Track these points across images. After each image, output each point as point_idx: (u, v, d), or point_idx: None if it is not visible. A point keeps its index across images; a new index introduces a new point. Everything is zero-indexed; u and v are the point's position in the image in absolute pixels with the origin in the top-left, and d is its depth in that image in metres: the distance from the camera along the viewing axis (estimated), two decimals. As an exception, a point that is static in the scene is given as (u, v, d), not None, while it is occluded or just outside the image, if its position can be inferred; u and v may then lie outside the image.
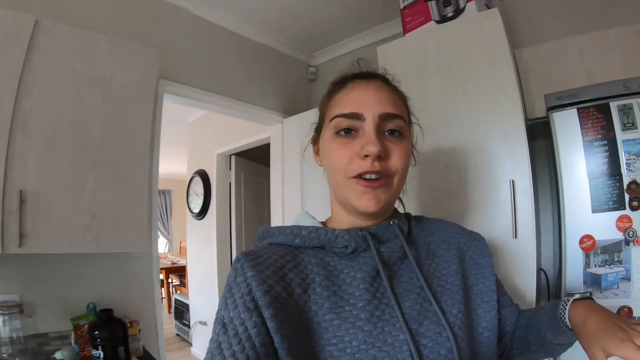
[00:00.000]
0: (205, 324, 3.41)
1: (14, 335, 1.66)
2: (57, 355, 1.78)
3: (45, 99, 1.56)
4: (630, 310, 1.51)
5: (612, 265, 1.51)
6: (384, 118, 0.73)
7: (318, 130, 0.87)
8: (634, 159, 1.51)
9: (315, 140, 0.89)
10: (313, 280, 0.69)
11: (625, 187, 1.50)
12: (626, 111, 1.54)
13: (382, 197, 0.72)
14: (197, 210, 3.84)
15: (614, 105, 1.55)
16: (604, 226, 1.52)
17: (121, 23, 2.09)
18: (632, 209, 1.49)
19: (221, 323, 0.61)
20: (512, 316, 0.87)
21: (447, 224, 0.94)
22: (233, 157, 3.65)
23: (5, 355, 1.65)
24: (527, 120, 1.71)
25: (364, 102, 0.74)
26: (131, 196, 1.71)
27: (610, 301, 1.52)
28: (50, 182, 1.54)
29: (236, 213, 3.47)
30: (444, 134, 1.75)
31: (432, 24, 1.90)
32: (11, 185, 1.48)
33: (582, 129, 1.55)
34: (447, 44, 1.81)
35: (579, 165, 1.54)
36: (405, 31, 2.01)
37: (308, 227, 0.75)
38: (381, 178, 0.72)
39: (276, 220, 2.53)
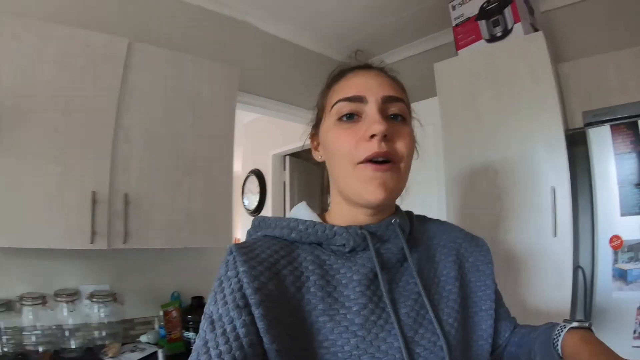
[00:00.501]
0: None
1: (106, 321, 1.94)
2: (142, 338, 2.07)
3: (141, 112, 1.80)
4: None
5: (637, 262, 1.78)
6: (386, 100, 0.71)
7: (316, 124, 0.82)
8: None
9: (313, 136, 0.84)
10: (308, 279, 0.65)
11: (653, 193, 1.76)
12: None
13: (390, 184, 0.67)
14: (252, 207, 4.08)
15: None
16: (631, 228, 1.77)
17: (200, 41, 2.35)
18: None
19: (209, 319, 0.59)
20: (507, 330, 0.84)
21: (449, 227, 0.91)
22: (287, 158, 3.85)
23: (99, 337, 1.93)
24: (567, 130, 1.95)
25: (365, 86, 0.71)
26: (218, 197, 1.98)
27: (635, 293, 1.79)
28: (150, 186, 1.80)
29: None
30: (494, 144, 2.01)
31: (482, 42, 2.14)
32: (116, 190, 1.73)
33: (613, 143, 1.80)
34: (497, 62, 2.05)
35: (611, 174, 1.79)
36: (458, 47, 2.24)
37: (305, 221, 0.71)
38: (390, 162, 0.67)
39: None
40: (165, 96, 1.87)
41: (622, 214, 1.78)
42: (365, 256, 0.70)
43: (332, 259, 0.69)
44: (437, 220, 0.93)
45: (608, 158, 1.80)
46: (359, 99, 0.70)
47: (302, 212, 0.78)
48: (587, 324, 0.71)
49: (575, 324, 0.70)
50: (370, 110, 0.69)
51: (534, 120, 1.91)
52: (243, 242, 0.70)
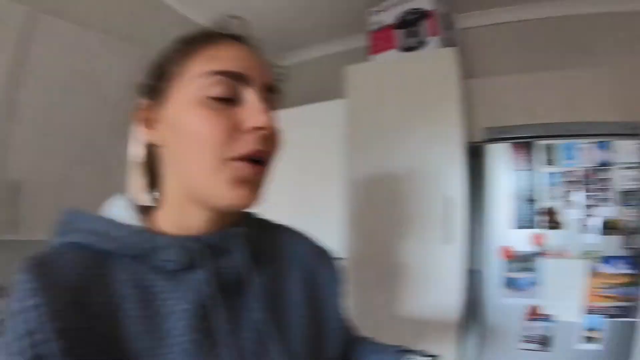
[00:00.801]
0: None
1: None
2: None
3: (39, 91, 1.65)
4: (538, 308, 1.91)
5: (526, 272, 1.89)
6: (269, 90, 0.59)
7: (154, 93, 0.60)
8: (550, 188, 1.89)
9: (149, 107, 0.60)
10: (123, 309, 0.50)
11: (541, 210, 1.88)
12: (550, 149, 1.91)
13: (260, 189, 0.57)
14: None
15: (539, 144, 1.91)
16: (521, 240, 1.89)
17: (109, 18, 2.18)
18: (545, 228, 1.87)
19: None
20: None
21: (296, 236, 0.77)
22: None
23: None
24: (469, 142, 2.05)
25: (249, 64, 0.57)
26: (116, 187, 1.86)
27: (523, 300, 1.90)
28: (43, 172, 1.64)
29: None
30: (396, 151, 2.06)
31: (396, 51, 2.18)
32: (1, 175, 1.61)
33: (511, 159, 1.91)
34: (408, 72, 2.10)
35: (505, 189, 1.89)
36: (371, 52, 2.27)
37: (128, 227, 0.55)
38: (264, 164, 0.56)
39: None
40: (68, 76, 1.76)
41: (514, 227, 1.89)
42: (198, 277, 0.54)
43: (155, 279, 0.53)
44: (285, 228, 0.78)
45: (504, 173, 1.91)
46: (240, 78, 0.55)
47: (120, 210, 0.59)
48: (431, 357, 0.68)
49: (423, 358, 0.67)
50: (252, 96, 0.55)
51: (436, 130, 1.99)
52: (43, 256, 0.51)
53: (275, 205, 2.32)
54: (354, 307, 2.09)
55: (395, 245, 2.01)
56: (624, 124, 1.98)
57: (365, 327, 1.87)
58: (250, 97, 0.55)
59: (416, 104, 2.05)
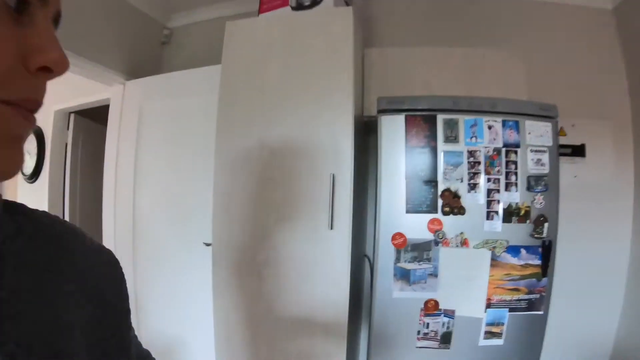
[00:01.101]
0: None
1: None
2: None
3: None
4: (436, 302, 1.71)
5: (421, 262, 1.69)
6: (56, 20, 0.38)
7: None
8: (451, 169, 1.68)
9: None
10: None
11: (439, 193, 1.68)
12: (451, 125, 1.70)
13: (23, 157, 0.37)
14: (28, 171, 3.40)
15: (440, 118, 1.70)
16: (416, 226, 1.68)
17: None
18: (444, 213, 1.66)
19: None
20: None
21: (71, 234, 0.49)
22: (72, 116, 3.22)
23: None
24: (364, 116, 1.83)
25: None
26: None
27: (418, 294, 1.71)
28: None
29: (71, 178, 3.19)
30: (277, 120, 1.75)
31: (287, 9, 1.90)
32: None
33: (407, 134, 1.69)
34: (296, 32, 1.77)
35: (399, 168, 1.67)
36: (261, 11, 1.95)
37: None
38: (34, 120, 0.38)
39: (108, 193, 2.43)
40: None
41: (408, 211, 1.68)
42: None
43: None
44: (48, 217, 0.48)
45: (398, 150, 1.68)
46: None
47: None
48: None
49: None
50: (44, 20, 0.34)
51: (324, 100, 1.71)
52: None
53: (146, 182, 2.01)
54: (223, 303, 1.85)
55: (275, 230, 1.75)
56: (536, 104, 1.77)
57: (241, 324, 1.61)
58: (43, 22, 0.34)
59: (302, 69, 1.74)
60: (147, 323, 2.10)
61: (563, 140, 2.10)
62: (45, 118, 3.21)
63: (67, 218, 3.09)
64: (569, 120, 2.12)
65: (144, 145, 2.30)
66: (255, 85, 1.75)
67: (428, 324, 1.67)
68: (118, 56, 2.47)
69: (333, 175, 1.63)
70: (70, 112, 3.13)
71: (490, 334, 1.69)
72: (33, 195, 3.32)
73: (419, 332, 1.68)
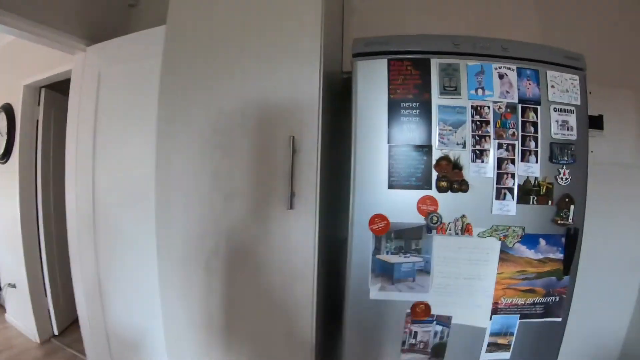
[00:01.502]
0: (14, 286, 2.54)
1: None
2: None
3: None
4: (427, 307, 1.13)
5: (408, 254, 1.11)
6: None
7: None
8: (449, 130, 1.09)
9: None
10: None
11: (433, 162, 1.09)
12: (450, 72, 1.10)
13: None
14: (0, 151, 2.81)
15: (435, 62, 1.10)
16: (402, 206, 1.10)
17: None
18: (440, 189, 1.08)
19: None
20: None
21: None
22: (43, 90, 2.67)
23: None
24: (343, 72, 1.23)
25: None
26: None
27: (404, 295, 1.13)
28: None
29: (43, 157, 2.63)
30: (227, 74, 1.18)
31: None
32: None
33: (390, 84, 1.10)
34: None
35: (380, 128, 1.09)
36: None
37: None
38: None
39: (70, 172, 1.87)
40: None
41: (391, 186, 1.10)
42: None
43: None
44: None
45: (379, 105, 1.10)
46: None
47: None
48: None
49: None
50: None
51: (283, 47, 1.14)
52: None
53: (104, 158, 1.30)
54: (171, 301, 1.26)
55: (224, 211, 1.19)
56: (560, 50, 1.20)
57: (191, 326, 1.21)
58: None
59: (259, 9, 1.18)
60: (112, 312, 1.56)
61: (580, 108, 1.50)
62: (14, 93, 2.59)
63: (39, 199, 2.49)
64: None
65: (103, 116, 1.69)
66: (202, 39, 1.16)
67: (416, 333, 1.10)
68: (80, 22, 1.88)
69: (292, 138, 1.03)
70: (40, 87, 2.51)
71: (495, 346, 1.12)
72: (4, 176, 2.71)
73: (403, 343, 1.10)
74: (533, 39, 1.47)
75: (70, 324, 2.57)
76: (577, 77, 1.15)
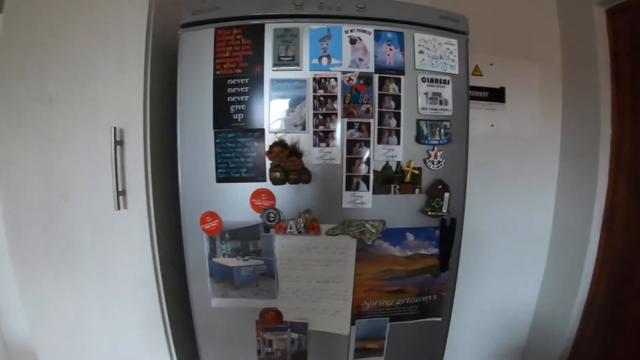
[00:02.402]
0: None
1: None
2: None
3: None
4: (278, 313, 0.72)
5: (247, 257, 0.70)
6: None
7: None
8: (285, 110, 0.65)
9: None
10: None
11: (266, 148, 0.65)
12: (287, 39, 0.66)
13: None
14: None
15: (270, 28, 0.66)
16: (234, 202, 0.68)
17: None
18: (274, 181, 0.66)
19: None
20: None
21: None
22: None
23: None
24: (159, 38, 0.79)
25: None
26: None
27: (249, 302, 0.72)
28: None
29: None
30: (56, 52, 0.73)
31: None
32: None
33: (216, 57, 0.66)
34: None
35: (204, 111, 0.66)
36: None
37: None
38: None
39: None
40: None
41: (220, 179, 0.67)
42: None
43: None
44: None
45: (203, 82, 0.67)
46: None
47: None
48: None
49: None
50: None
51: (108, 21, 0.72)
52: None
53: None
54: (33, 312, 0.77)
55: (61, 213, 0.78)
56: (435, 10, 0.73)
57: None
58: None
59: None
60: (8, 320, 1.14)
61: (478, 82, 1.05)
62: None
63: None
64: (486, 58, 1.03)
65: None
66: (35, 9, 0.70)
67: (270, 341, 0.69)
68: None
69: (114, 128, 0.59)
70: None
71: (364, 351, 0.70)
72: None
73: (259, 352, 0.68)
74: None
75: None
76: (455, 41, 0.68)
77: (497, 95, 1.11)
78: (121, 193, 0.73)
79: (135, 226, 0.75)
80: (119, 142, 0.72)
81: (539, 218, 1.23)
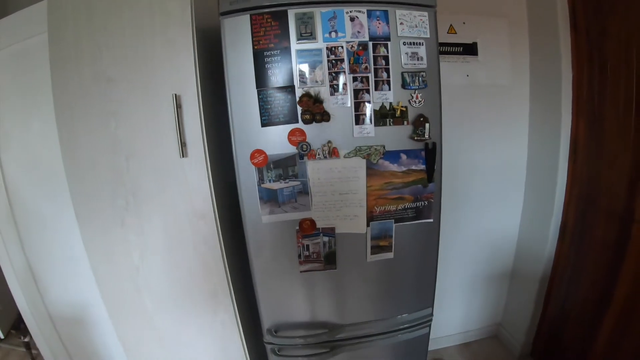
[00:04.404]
0: None
1: None
2: None
3: None
4: (312, 222, 1.26)
5: (288, 180, 1.23)
6: None
7: None
8: (308, 71, 1.18)
9: None
10: None
11: (297, 99, 1.19)
12: (305, 20, 1.18)
13: None
14: None
15: (292, 13, 1.18)
16: (276, 140, 1.20)
17: None
18: (305, 122, 1.19)
19: None
20: None
21: None
22: None
23: None
24: (202, 23, 1.31)
25: None
26: None
27: (290, 215, 1.26)
28: None
29: None
30: (106, 43, 1.20)
31: None
32: None
33: (253, 37, 1.17)
34: None
35: (248, 77, 1.18)
36: None
37: None
38: None
39: None
40: None
41: (264, 124, 1.20)
42: None
43: None
44: None
45: (245, 56, 1.18)
46: None
47: None
48: None
49: None
50: None
51: (157, 6, 1.22)
52: None
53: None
54: (99, 263, 1.27)
55: (127, 170, 1.28)
56: (408, -11, 1.27)
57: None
58: None
59: None
60: (51, 294, 1.62)
61: (453, 39, 1.60)
62: None
63: None
64: (459, 18, 1.59)
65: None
66: (82, 8, 1.19)
67: (308, 245, 1.24)
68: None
69: (175, 95, 1.12)
70: None
71: (378, 249, 1.26)
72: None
73: (300, 256, 1.25)
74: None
75: (14, 323, 2.36)
76: (426, 13, 1.23)
77: (470, 49, 1.68)
78: (183, 144, 1.25)
79: (194, 170, 1.25)
80: (178, 106, 1.23)
81: (515, 154, 1.82)
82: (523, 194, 1.87)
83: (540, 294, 1.85)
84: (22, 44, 1.36)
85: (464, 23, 1.65)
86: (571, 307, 1.76)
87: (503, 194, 1.84)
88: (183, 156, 1.18)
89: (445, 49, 1.61)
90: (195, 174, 1.21)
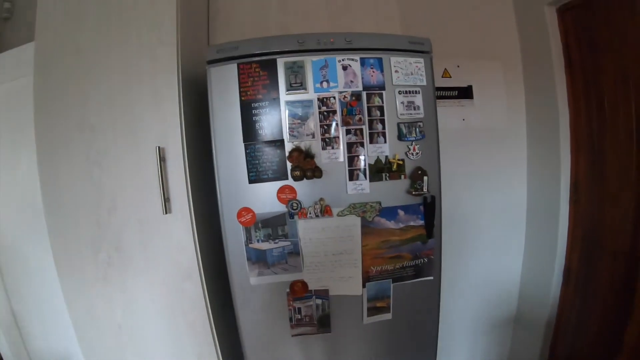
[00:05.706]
0: None
1: None
2: None
3: None
4: (304, 284, 1.13)
5: (277, 240, 1.10)
6: None
7: None
8: (298, 123, 1.07)
9: None
10: None
11: (287, 154, 1.07)
12: (295, 69, 1.08)
13: None
14: None
15: (281, 62, 1.08)
16: (264, 198, 1.08)
17: None
18: (295, 178, 1.07)
19: None
20: None
21: None
22: None
23: None
24: (190, 70, 1.20)
25: None
26: None
27: (280, 277, 1.12)
28: None
29: None
30: (92, 92, 1.11)
31: None
32: None
33: (240, 87, 1.07)
34: None
35: (235, 129, 1.06)
36: None
37: None
38: None
39: None
40: None
41: (251, 181, 1.08)
42: None
43: None
44: None
45: (232, 108, 1.07)
46: None
47: None
48: None
49: None
50: None
51: (145, 56, 1.10)
52: None
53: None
54: (78, 316, 1.14)
55: (110, 223, 1.14)
56: (403, 37, 1.18)
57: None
58: None
59: (118, 19, 1.11)
60: (33, 343, 1.45)
61: (448, 83, 1.52)
62: None
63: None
64: (452, 61, 1.51)
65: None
66: (70, 51, 1.08)
67: (299, 308, 1.10)
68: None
69: (159, 147, 0.99)
70: None
71: (375, 310, 1.13)
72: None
73: (291, 319, 1.10)
74: (394, 26, 1.45)
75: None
76: (422, 59, 1.13)
77: (465, 93, 1.59)
78: (166, 200, 1.12)
79: (179, 227, 1.13)
80: (162, 159, 1.11)
81: (515, 196, 1.71)
82: (524, 238, 1.75)
83: (547, 339, 1.71)
84: (11, 83, 1.25)
85: (458, 66, 1.57)
86: (579, 353, 1.62)
87: (503, 238, 1.72)
88: (166, 212, 1.05)
89: (441, 93, 1.52)
90: (180, 231, 1.09)
